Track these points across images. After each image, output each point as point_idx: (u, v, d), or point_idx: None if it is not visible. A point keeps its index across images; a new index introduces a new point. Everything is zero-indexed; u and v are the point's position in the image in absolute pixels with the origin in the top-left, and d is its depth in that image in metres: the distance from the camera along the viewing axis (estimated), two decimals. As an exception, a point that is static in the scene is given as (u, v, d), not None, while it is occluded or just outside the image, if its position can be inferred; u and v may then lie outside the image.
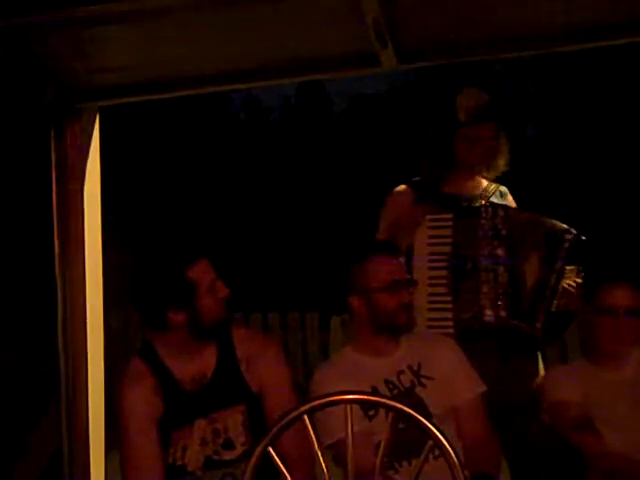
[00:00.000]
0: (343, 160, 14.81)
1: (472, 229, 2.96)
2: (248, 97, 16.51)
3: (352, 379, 2.43)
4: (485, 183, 3.19)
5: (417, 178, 3.20)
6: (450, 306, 2.93)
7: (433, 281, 2.96)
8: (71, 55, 2.57)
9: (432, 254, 2.98)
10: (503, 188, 3.23)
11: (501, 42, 2.63)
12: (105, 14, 2.26)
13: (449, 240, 2.97)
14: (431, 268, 2.97)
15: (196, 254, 2.44)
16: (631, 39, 2.69)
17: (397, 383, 2.55)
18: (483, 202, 3.12)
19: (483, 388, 2.60)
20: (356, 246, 2.72)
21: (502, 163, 3.17)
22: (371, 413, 2.47)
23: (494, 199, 3.16)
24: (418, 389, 2.55)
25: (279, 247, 13.61)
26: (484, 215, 2.96)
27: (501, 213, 2.97)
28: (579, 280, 2.98)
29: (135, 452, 2.41)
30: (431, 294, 2.95)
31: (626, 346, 2.60)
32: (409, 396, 2.52)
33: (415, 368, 2.58)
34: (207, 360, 2.49)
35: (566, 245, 2.97)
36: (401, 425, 1.66)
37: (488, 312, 2.91)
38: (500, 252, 2.94)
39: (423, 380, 2.56)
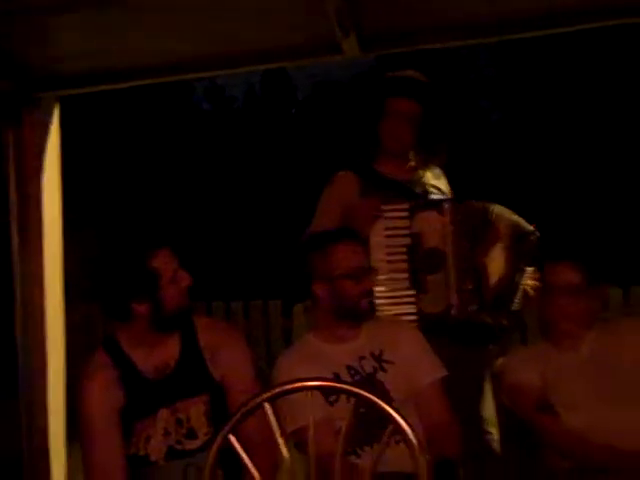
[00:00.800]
0: (306, 147, 14.80)
1: (435, 222, 2.91)
2: (211, 85, 16.41)
3: (314, 365, 2.45)
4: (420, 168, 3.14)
5: (355, 161, 3.13)
6: (413, 299, 2.90)
7: (393, 275, 2.91)
8: (30, 43, 2.54)
9: (390, 246, 2.91)
10: (436, 169, 3.19)
11: (462, 29, 2.64)
12: (64, 1, 2.24)
13: (407, 232, 2.91)
14: (390, 261, 2.91)
15: (158, 244, 2.44)
16: (592, 24, 2.73)
17: (359, 369, 2.57)
18: (427, 188, 3.10)
19: (443, 373, 2.62)
20: (318, 233, 2.72)
21: (437, 160, 3.14)
22: (332, 399, 2.48)
23: (434, 181, 3.14)
24: (380, 374, 2.57)
25: (242, 235, 13.58)
26: (447, 209, 2.92)
27: (462, 209, 2.93)
28: (537, 283, 2.97)
29: (97, 444, 2.40)
30: (392, 288, 2.90)
31: (576, 325, 2.61)
32: (371, 381, 2.53)
33: (377, 353, 2.60)
34: (170, 350, 2.48)
35: (530, 246, 2.97)
36: (362, 410, 1.67)
37: (458, 307, 2.90)
38: (464, 246, 2.91)
39: (385, 365, 2.58)
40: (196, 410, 2.44)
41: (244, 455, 1.61)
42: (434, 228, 2.91)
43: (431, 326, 2.87)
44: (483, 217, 2.95)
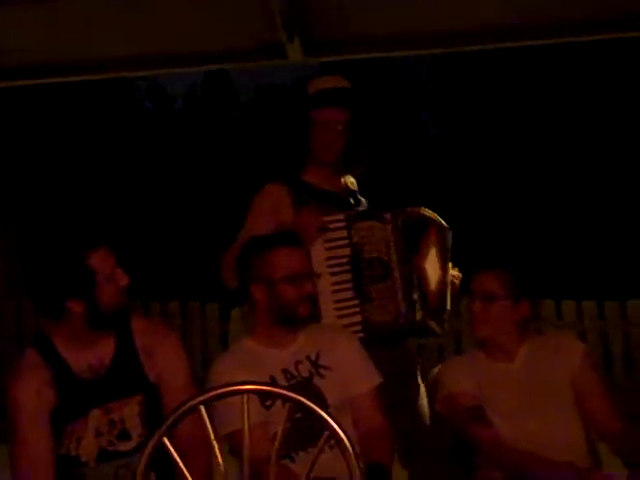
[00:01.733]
0: (247, 149, 14.76)
1: (377, 232, 2.91)
2: (153, 85, 16.27)
3: (250, 369, 2.44)
4: (342, 178, 3.15)
5: (282, 173, 3.12)
6: (358, 309, 2.89)
7: (337, 287, 2.89)
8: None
9: (330, 258, 2.89)
10: (351, 179, 3.20)
11: (406, 41, 2.67)
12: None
13: (346, 242, 2.90)
14: (332, 273, 2.89)
15: (96, 241, 2.40)
16: (544, 41, 2.78)
17: (295, 373, 2.57)
18: (356, 197, 3.13)
19: (379, 380, 2.63)
20: (260, 236, 2.71)
21: (359, 170, 3.14)
22: (268, 403, 2.47)
23: (356, 190, 3.17)
24: (316, 379, 2.57)
25: (180, 236, 13.48)
26: (389, 219, 2.92)
27: (402, 216, 2.94)
28: (458, 273, 3.06)
29: (25, 446, 2.35)
30: (337, 300, 2.89)
31: (496, 333, 2.63)
32: (307, 386, 2.53)
33: (313, 358, 2.60)
34: (105, 349, 2.45)
35: (450, 242, 3.02)
36: (298, 415, 1.67)
37: (406, 315, 2.90)
38: (406, 254, 2.93)
39: (321, 370, 2.58)
40: (130, 411, 2.42)
41: (177, 458, 1.59)
42: (375, 238, 2.91)
43: (377, 335, 2.89)
44: (420, 222, 2.98)
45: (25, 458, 2.35)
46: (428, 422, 2.93)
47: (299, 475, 1.98)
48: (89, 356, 2.43)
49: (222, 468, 1.62)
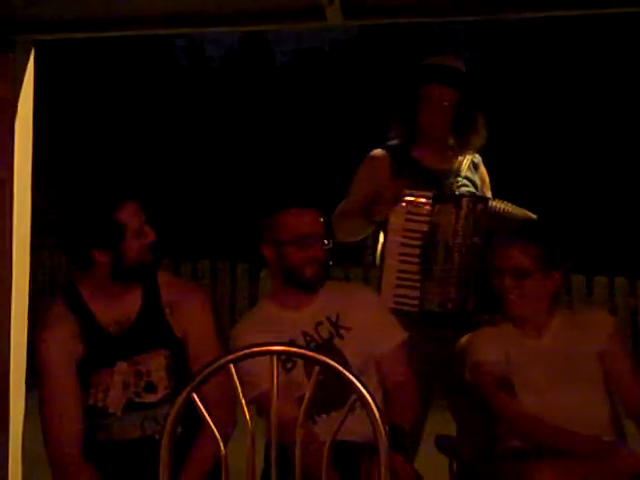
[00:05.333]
0: (282, 112, 14.71)
1: (451, 215, 2.94)
2: (190, 44, 16.23)
3: (270, 332, 2.43)
4: (457, 156, 3.18)
5: (394, 142, 3.17)
6: (418, 285, 2.94)
7: (405, 258, 2.96)
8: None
9: (407, 230, 2.96)
10: (477, 158, 3.24)
11: (447, 5, 2.63)
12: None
13: (426, 219, 2.95)
14: (404, 245, 2.96)
15: (127, 197, 2.43)
16: (580, 12, 2.73)
17: (315, 335, 2.57)
18: (458, 180, 3.13)
19: (403, 337, 2.64)
20: (271, 197, 2.70)
21: (476, 143, 3.16)
22: (289, 366, 2.49)
23: (468, 173, 3.17)
24: (336, 340, 2.57)
25: (212, 195, 13.51)
26: (464, 206, 2.94)
27: (481, 207, 2.96)
28: None
29: (54, 393, 2.40)
30: (401, 271, 2.95)
31: (528, 308, 2.62)
32: (327, 347, 2.53)
33: (333, 319, 2.60)
34: (131, 303, 2.48)
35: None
36: (321, 377, 1.68)
37: (454, 302, 2.94)
38: (476, 242, 2.94)
39: (341, 331, 2.58)
40: (156, 364, 2.44)
41: (206, 414, 1.61)
42: (449, 221, 2.94)
43: (428, 314, 2.93)
44: (501, 218, 2.96)
45: (54, 407, 2.39)
46: None
47: (324, 437, 1.98)
48: (115, 309, 2.46)
49: (250, 427, 1.63)
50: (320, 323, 2.59)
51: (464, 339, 2.72)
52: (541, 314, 2.64)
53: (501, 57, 14.54)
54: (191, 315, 2.49)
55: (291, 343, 2.46)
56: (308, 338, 2.56)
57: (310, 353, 1.75)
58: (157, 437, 2.32)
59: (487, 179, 3.30)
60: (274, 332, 2.44)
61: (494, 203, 3.01)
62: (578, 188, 12.27)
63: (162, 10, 2.60)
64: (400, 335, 2.64)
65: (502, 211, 2.99)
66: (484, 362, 2.60)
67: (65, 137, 12.39)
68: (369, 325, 2.59)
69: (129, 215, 2.40)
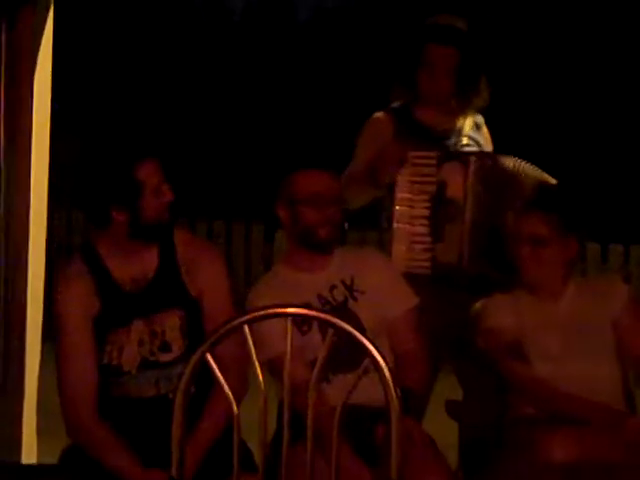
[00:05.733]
0: (303, 70, 14.61)
1: (459, 173, 2.91)
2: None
3: (285, 295, 2.43)
4: (460, 116, 3.14)
5: (396, 104, 3.15)
6: (430, 246, 2.93)
7: (414, 220, 2.94)
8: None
9: (414, 192, 2.93)
10: (479, 119, 3.20)
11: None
12: None
13: (433, 179, 2.92)
14: (412, 206, 2.94)
15: (146, 154, 2.42)
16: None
17: (330, 298, 2.58)
18: (462, 139, 3.10)
19: (415, 302, 2.64)
20: (288, 158, 2.69)
21: (478, 103, 3.13)
22: (305, 329, 2.50)
23: (471, 132, 3.14)
24: (351, 303, 2.58)
25: (229, 155, 13.47)
26: (472, 163, 2.92)
27: (489, 163, 2.95)
28: None
29: (69, 348, 2.41)
30: (411, 233, 2.94)
31: (545, 275, 2.62)
32: (342, 310, 2.54)
33: (348, 282, 2.60)
34: (148, 262, 2.48)
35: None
36: (334, 339, 1.68)
37: (468, 259, 2.92)
38: (486, 201, 2.92)
39: (356, 294, 2.59)
40: (171, 323, 2.45)
41: (219, 374, 1.62)
42: (457, 179, 2.92)
43: (442, 275, 2.92)
44: (509, 173, 2.94)
45: (69, 362, 2.41)
46: None
47: (335, 400, 1.99)
48: (132, 268, 2.47)
49: (263, 388, 1.64)
50: (335, 286, 2.59)
51: (477, 305, 2.71)
52: (556, 281, 2.63)
53: (516, 26, 14.36)
54: (206, 275, 2.49)
55: (306, 305, 2.46)
56: (323, 301, 2.57)
57: (324, 316, 1.76)
58: (171, 396, 2.34)
59: (490, 139, 3.26)
60: (289, 295, 2.44)
61: (503, 159, 2.98)
62: (593, 156, 12.15)
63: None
64: (411, 300, 2.64)
65: (512, 168, 2.96)
66: (497, 328, 2.60)
67: (83, 91, 12.36)
68: (381, 289, 2.60)
69: (148, 173, 2.39)
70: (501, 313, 2.63)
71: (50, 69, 2.75)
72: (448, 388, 2.91)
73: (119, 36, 13.67)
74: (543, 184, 2.95)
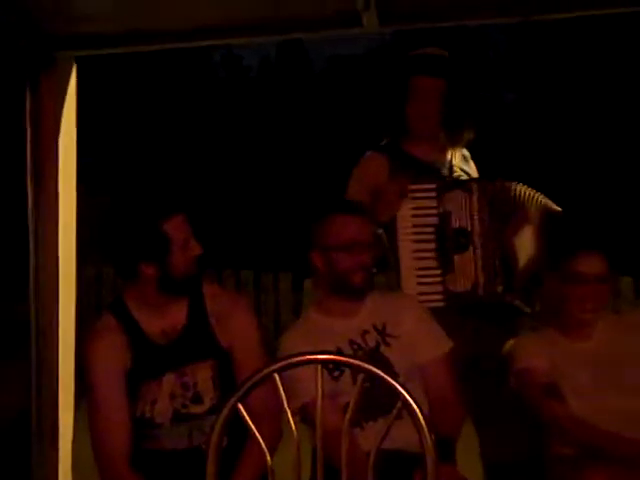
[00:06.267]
0: (321, 119, 14.74)
1: (463, 201, 2.92)
2: (228, 54, 16.36)
3: (317, 341, 2.42)
4: (449, 149, 3.15)
5: (384, 142, 3.15)
6: (439, 279, 2.92)
7: (420, 254, 2.93)
8: (49, 2, 2.53)
9: (417, 226, 2.93)
10: (465, 152, 3.21)
11: (483, 8, 2.62)
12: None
13: (434, 211, 2.93)
14: (417, 241, 2.93)
15: (173, 209, 2.44)
16: (614, 10, 2.70)
17: (362, 343, 2.56)
18: (456, 172, 3.10)
19: (449, 346, 2.61)
20: (320, 203, 2.71)
21: (466, 136, 3.13)
22: (336, 374, 2.48)
23: (461, 164, 3.15)
24: (383, 348, 2.56)
25: (255, 206, 13.57)
26: (474, 189, 2.92)
27: (491, 188, 2.94)
28: None
29: (102, 405, 2.42)
30: (419, 268, 2.93)
31: (593, 314, 2.61)
32: (374, 356, 2.52)
33: (380, 327, 2.58)
34: (177, 314, 2.49)
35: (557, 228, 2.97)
36: (367, 385, 1.67)
37: (484, 286, 2.91)
38: (492, 226, 2.92)
39: (388, 339, 2.57)
40: (203, 375, 2.46)
41: (251, 424, 1.61)
42: (461, 207, 2.92)
43: (458, 305, 2.90)
44: (513, 198, 2.95)
45: (102, 418, 2.41)
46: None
47: (369, 446, 1.98)
48: (162, 321, 2.48)
49: (296, 436, 1.63)
50: (367, 332, 2.58)
51: (508, 345, 2.69)
52: (594, 319, 2.62)
53: (535, 55, 14.42)
54: (236, 325, 2.50)
55: (338, 352, 2.45)
56: (355, 346, 2.55)
57: (355, 361, 1.74)
58: (204, 447, 2.33)
59: (477, 172, 3.25)
60: (321, 341, 2.43)
61: (504, 184, 2.97)
62: (622, 189, 12.10)
63: (200, 22, 2.63)
64: (445, 344, 2.61)
65: (515, 192, 2.95)
66: (531, 369, 2.57)
67: (110, 151, 12.54)
68: (414, 334, 2.58)
69: (175, 228, 2.41)
70: (533, 353, 2.61)
71: (75, 130, 2.80)
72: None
73: (144, 95, 13.91)
74: (549, 210, 2.96)
